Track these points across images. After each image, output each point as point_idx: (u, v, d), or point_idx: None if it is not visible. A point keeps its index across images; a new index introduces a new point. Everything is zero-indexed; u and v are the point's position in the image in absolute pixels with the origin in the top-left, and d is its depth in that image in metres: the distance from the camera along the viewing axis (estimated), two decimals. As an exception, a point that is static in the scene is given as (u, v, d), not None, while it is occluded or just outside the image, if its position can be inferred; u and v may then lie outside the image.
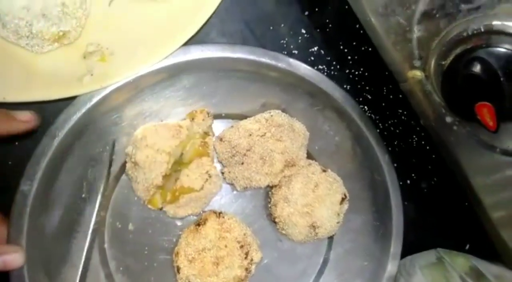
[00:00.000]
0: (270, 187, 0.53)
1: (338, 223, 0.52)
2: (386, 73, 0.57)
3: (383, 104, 0.58)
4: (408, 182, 0.60)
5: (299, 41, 0.55)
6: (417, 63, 0.47)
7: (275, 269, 0.54)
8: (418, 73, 0.47)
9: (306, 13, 0.55)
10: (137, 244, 0.52)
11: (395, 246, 0.55)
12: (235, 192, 0.54)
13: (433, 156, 0.59)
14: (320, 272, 0.56)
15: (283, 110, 0.53)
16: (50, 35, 0.48)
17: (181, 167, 0.51)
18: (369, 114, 0.57)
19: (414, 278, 0.55)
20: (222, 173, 0.52)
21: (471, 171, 0.51)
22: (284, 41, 0.55)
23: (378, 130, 0.55)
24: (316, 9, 0.55)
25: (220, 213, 0.50)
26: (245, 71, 0.52)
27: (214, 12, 0.49)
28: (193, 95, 0.52)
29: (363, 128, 0.56)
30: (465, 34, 0.40)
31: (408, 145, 0.59)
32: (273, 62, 0.53)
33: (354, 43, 0.56)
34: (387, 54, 0.49)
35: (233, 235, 0.49)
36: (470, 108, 0.40)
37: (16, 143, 0.53)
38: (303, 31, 0.55)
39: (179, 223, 0.53)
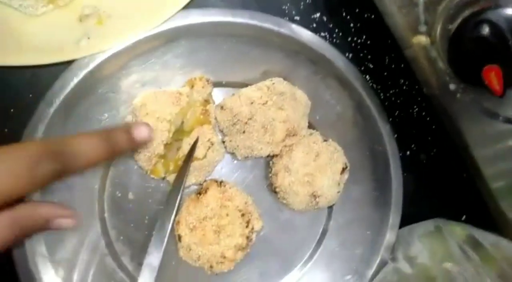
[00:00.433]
0: (271, 157, 0.52)
1: (338, 192, 0.52)
2: (389, 41, 0.56)
3: (385, 73, 0.57)
4: (408, 153, 0.58)
5: (301, 7, 0.54)
6: (423, 28, 0.46)
7: (275, 238, 0.54)
8: (423, 39, 0.46)
9: (308, -22, 0.51)
10: (137, 214, 0.51)
11: (394, 216, 0.55)
12: (235, 162, 0.53)
13: (433, 127, 0.58)
14: (320, 242, 0.55)
15: (285, 78, 0.52)
16: (44, -5, 0.46)
17: (182, 136, 0.50)
18: (371, 84, 0.56)
19: (412, 247, 0.54)
20: (223, 142, 0.51)
21: (473, 140, 0.51)
22: (286, 7, 0.54)
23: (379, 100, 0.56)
24: (319, -26, 0.52)
25: (221, 182, 0.50)
26: (246, 37, 0.50)
27: (214, -24, 0.48)
28: (192, 62, 0.51)
29: (365, 97, 0.55)
30: (472, -4, 0.39)
31: (408, 116, 0.58)
32: (275, 28, 0.51)
33: (357, 10, 0.55)
34: (391, 20, 0.49)
35: (235, 204, 0.49)
36: (477, 72, 0.40)
37: (12, 110, 0.51)
38: (305, -4, 0.51)
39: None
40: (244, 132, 0.49)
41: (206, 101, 0.50)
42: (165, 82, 0.51)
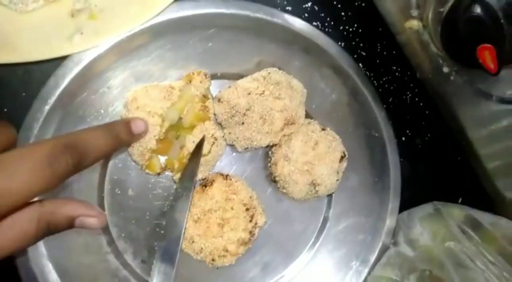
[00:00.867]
0: (270, 147, 0.53)
1: (337, 180, 0.52)
2: (380, 29, 0.57)
3: (378, 61, 0.57)
4: (403, 138, 0.59)
5: (293, -3, 0.51)
6: (415, 12, 0.47)
7: (276, 230, 0.54)
8: (415, 23, 0.47)
9: (298, -33, 0.52)
10: (138, 210, 0.50)
11: (393, 200, 0.55)
12: (234, 154, 0.53)
13: (427, 112, 0.59)
14: (321, 231, 0.56)
15: (279, 69, 0.52)
16: (34, -9, 0.45)
17: (183, 133, 0.50)
18: (364, 72, 0.56)
19: (413, 230, 0.55)
20: (222, 133, 0.51)
21: (468, 122, 0.52)
22: (277, -3, 0.51)
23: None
24: (309, -37, 0.52)
25: (227, 175, 0.50)
26: (239, 28, 0.50)
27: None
28: (187, 55, 0.50)
29: (359, 84, 0.55)
30: (464, -23, 0.39)
31: (402, 102, 0.59)
32: (268, 18, 0.51)
33: (348, -1, 0.53)
34: (383, 6, 0.49)
35: (240, 197, 0.49)
36: (471, 53, 0.40)
37: (5, 110, 0.50)
38: (296, -14, 0.52)
39: (173, 177, 0.51)
40: (243, 123, 0.49)
41: (205, 97, 0.50)
42: (159, 76, 0.50)
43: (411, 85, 0.60)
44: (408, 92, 0.59)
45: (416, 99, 0.60)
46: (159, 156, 0.49)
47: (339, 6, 0.58)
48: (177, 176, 0.49)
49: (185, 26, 0.50)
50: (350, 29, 0.57)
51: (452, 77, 0.47)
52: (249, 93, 0.49)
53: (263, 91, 0.49)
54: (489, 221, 0.53)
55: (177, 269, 0.45)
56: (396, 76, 0.58)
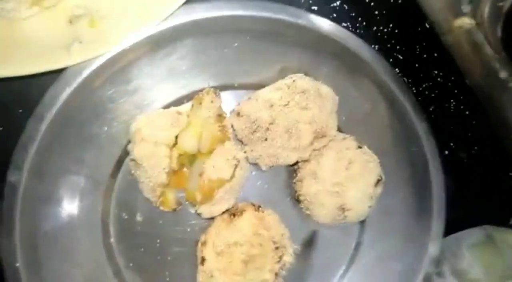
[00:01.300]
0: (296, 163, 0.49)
1: (370, 207, 0.48)
2: (419, 29, 0.53)
3: (416, 65, 0.53)
4: (446, 152, 0.55)
5: (319, -5, 0.51)
6: (466, 8, 0.41)
7: (301, 257, 0.50)
8: (466, 21, 0.42)
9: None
10: (147, 237, 0.48)
11: (437, 224, 0.51)
12: (254, 173, 0.50)
13: (473, 122, 0.55)
14: (353, 258, 0.52)
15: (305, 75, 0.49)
16: (27, -4, 0.41)
17: (200, 158, 0.46)
18: (402, 78, 0.52)
19: (461, 260, 0.50)
20: (244, 152, 0.48)
21: (525, 134, 0.45)
22: (301, -4, 0.50)
23: (411, 95, 0.52)
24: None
25: (259, 206, 0.46)
26: (258, 31, 0.47)
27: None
28: (199, 63, 0.48)
29: (397, 92, 0.51)
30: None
31: (445, 111, 0.55)
32: (292, 20, 0.48)
33: (382, -5, 0.52)
34: (426, 2, 0.43)
35: (271, 234, 0.45)
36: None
37: (1, 129, 0.47)
38: (322, -18, 0.51)
39: (192, 211, 0.49)
40: (266, 139, 0.46)
41: (220, 116, 0.47)
42: (169, 88, 0.48)
43: (455, 91, 0.55)
44: (451, 100, 0.56)
45: (461, 107, 0.56)
46: (173, 190, 0.47)
47: (371, 4, 0.53)
48: (202, 209, 0.46)
49: (197, 31, 0.47)
50: (385, 30, 0.53)
51: (510, 84, 0.40)
52: (272, 105, 0.46)
53: (288, 101, 0.46)
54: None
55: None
56: (438, 82, 0.54)
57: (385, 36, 0.52)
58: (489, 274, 0.46)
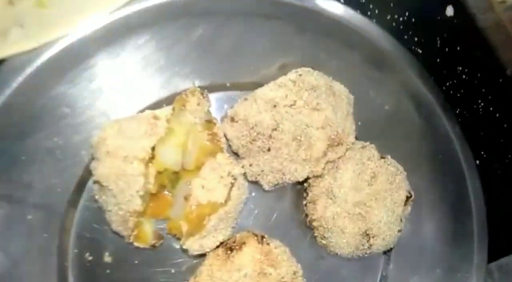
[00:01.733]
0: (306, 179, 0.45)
1: (399, 231, 0.44)
2: (439, 18, 0.48)
3: (438, 60, 0.49)
4: (477, 162, 0.50)
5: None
6: None
7: None
8: None
9: None
10: None
11: (480, 250, 0.47)
12: (254, 194, 0.45)
13: (505, 125, 0.49)
14: None
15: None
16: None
17: (185, 177, 0.42)
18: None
19: None
20: (242, 167, 0.43)
21: None
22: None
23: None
24: None
25: (263, 236, 0.41)
26: (255, 16, 0.43)
27: None
28: (181, 57, 0.43)
29: (424, 90, 0.47)
30: None
31: (473, 113, 0.50)
32: (296, 2, 0.44)
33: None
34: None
35: (279, 273, 0.40)
36: None
37: None
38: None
39: (177, 246, 0.43)
40: (268, 150, 0.41)
41: (209, 123, 0.42)
42: (144, 88, 0.43)
43: (483, 90, 0.50)
44: (479, 101, 0.50)
45: (491, 109, 0.50)
46: (151, 219, 0.42)
47: (385, -14, 0.50)
48: (190, 244, 0.41)
49: (176, 15, 0.42)
50: (400, 19, 0.49)
51: None
52: (274, 106, 0.41)
53: (294, 101, 0.41)
54: None
55: None
56: (463, 80, 0.50)
57: (401, 26, 0.48)
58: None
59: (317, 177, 0.44)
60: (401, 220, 0.44)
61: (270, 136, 0.41)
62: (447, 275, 0.47)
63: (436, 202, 0.48)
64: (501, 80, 0.46)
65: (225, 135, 0.43)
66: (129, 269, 0.42)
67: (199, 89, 0.42)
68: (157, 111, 0.40)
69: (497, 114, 0.49)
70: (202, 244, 0.41)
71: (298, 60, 0.45)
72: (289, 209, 0.46)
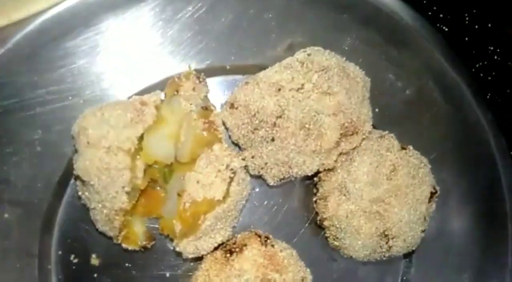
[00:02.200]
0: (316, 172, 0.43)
1: (423, 232, 0.42)
2: None
3: (466, 39, 0.47)
4: None
5: None
6: None
7: None
8: None
9: None
10: None
11: None
12: (257, 189, 0.43)
13: None
14: None
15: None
16: None
17: (178, 170, 0.39)
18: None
19: None
20: (243, 160, 0.40)
21: None
22: None
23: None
24: None
25: (267, 238, 0.39)
26: None
27: None
28: (175, 36, 0.40)
29: (450, 71, 0.45)
30: None
31: (506, 98, 0.48)
32: None
33: None
34: None
35: (285, 279, 0.38)
36: None
37: None
38: None
39: (171, 247, 0.41)
40: (273, 139, 0.39)
41: (206, 110, 0.40)
42: (133, 72, 0.41)
43: None
44: None
45: None
46: (142, 218, 0.40)
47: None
48: (184, 246, 0.38)
49: None
50: None
51: None
52: (279, 90, 0.39)
53: (302, 84, 0.39)
54: None
55: None
56: (495, 61, 0.48)
57: (424, 1, 0.46)
58: None
59: (328, 170, 0.42)
60: (424, 218, 0.42)
61: (275, 124, 0.39)
62: (476, 280, 0.45)
63: (465, 198, 0.46)
64: (538, 61, 0.43)
65: (224, 124, 0.41)
66: (118, 273, 0.41)
67: (194, 72, 0.39)
68: (145, 97, 0.37)
69: (533, 101, 0.47)
70: (197, 246, 0.38)
71: (307, 39, 0.43)
72: (297, 206, 0.45)
